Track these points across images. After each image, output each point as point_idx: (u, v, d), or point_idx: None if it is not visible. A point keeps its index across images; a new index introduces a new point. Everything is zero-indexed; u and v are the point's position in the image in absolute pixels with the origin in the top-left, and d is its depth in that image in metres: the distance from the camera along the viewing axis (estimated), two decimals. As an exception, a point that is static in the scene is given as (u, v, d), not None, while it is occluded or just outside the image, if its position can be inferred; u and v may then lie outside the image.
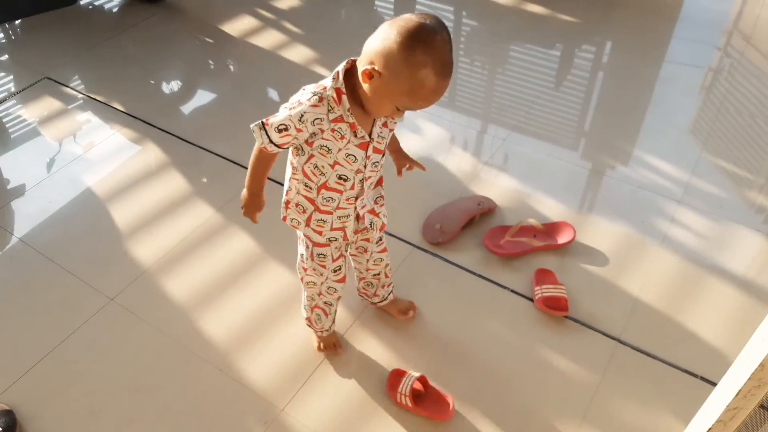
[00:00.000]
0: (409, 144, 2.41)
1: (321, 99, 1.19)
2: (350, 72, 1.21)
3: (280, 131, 1.21)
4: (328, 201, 1.37)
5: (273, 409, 1.61)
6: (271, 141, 1.23)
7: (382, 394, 1.63)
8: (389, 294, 1.76)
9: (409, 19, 1.09)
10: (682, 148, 2.44)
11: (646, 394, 1.64)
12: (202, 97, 2.76)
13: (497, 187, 2.24)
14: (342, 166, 1.29)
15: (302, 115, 1.19)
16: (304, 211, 1.41)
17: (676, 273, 1.95)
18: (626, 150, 2.43)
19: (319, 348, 1.72)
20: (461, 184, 2.25)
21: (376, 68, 1.11)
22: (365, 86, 1.15)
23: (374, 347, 1.74)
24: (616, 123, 2.59)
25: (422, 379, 1.60)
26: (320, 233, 1.43)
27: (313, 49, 2.95)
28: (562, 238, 2.00)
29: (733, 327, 1.80)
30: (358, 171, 1.32)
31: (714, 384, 1.65)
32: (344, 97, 1.19)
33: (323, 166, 1.29)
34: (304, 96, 1.21)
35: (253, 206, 1.44)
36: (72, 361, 1.72)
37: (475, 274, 1.94)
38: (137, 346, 1.76)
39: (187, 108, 2.69)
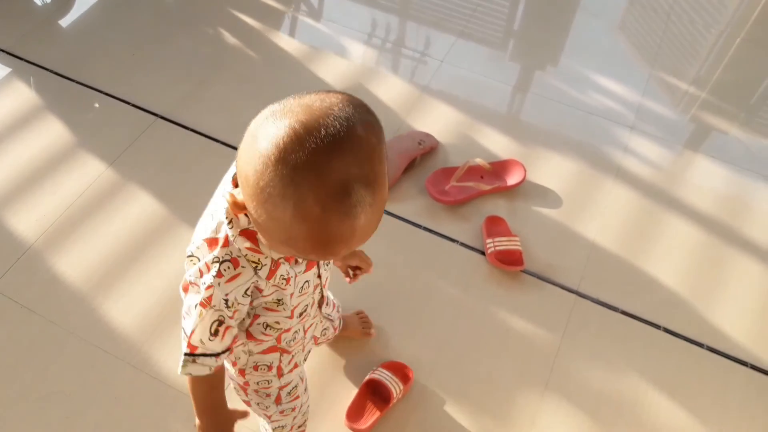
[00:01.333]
0: (335, 70, 2.10)
1: (235, 262, 0.76)
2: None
3: (216, 333, 0.80)
4: (294, 336, 0.99)
5: (201, 408, 1.39)
6: (218, 356, 0.83)
7: (330, 379, 1.44)
8: (339, 321, 1.35)
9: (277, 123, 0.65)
10: (632, 65, 2.25)
11: (610, 351, 1.53)
12: (82, 14, 2.27)
13: (437, 119, 1.99)
14: (300, 302, 0.92)
15: (226, 300, 0.78)
16: (271, 366, 1.01)
17: (633, 210, 1.81)
18: (575, 70, 2.21)
19: None
20: (398, 118, 1.98)
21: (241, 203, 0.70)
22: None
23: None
24: (561, 39, 2.35)
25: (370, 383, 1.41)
26: (292, 370, 1.07)
27: None
28: (512, 179, 1.81)
29: (694, 268, 1.70)
30: (315, 287, 0.94)
31: (677, 335, 1.57)
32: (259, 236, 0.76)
33: (277, 322, 0.91)
34: (206, 271, 0.77)
35: (219, 428, 0.96)
36: (-55, 372, 1.42)
37: (419, 226, 1.73)
38: (30, 344, 1.47)
39: (61, 31, 2.21)
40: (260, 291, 0.81)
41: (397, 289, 1.60)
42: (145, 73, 2.05)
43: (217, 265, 0.76)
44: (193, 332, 0.80)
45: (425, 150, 1.86)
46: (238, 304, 0.79)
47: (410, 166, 1.84)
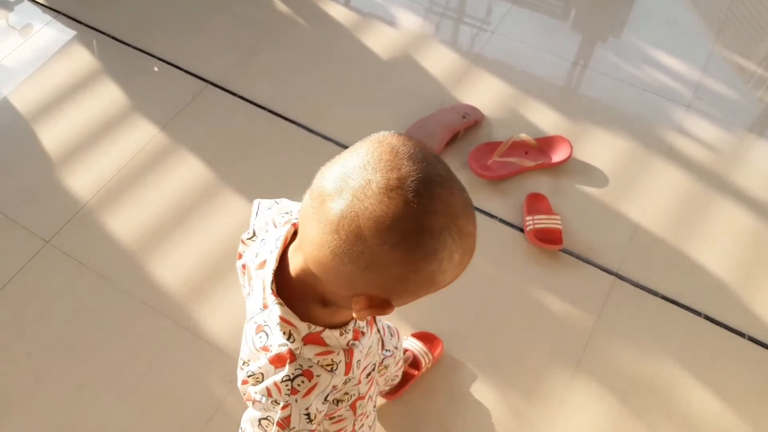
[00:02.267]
0: (385, 39, 2.09)
1: (308, 374, 0.69)
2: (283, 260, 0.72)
3: None
4: (368, 400, 0.92)
5: (237, 365, 1.45)
6: None
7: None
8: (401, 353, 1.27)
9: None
10: (693, 40, 2.14)
11: (645, 335, 1.50)
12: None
13: (484, 92, 1.96)
14: (366, 366, 0.83)
15: (308, 414, 0.71)
16: (345, 428, 0.93)
17: (682, 193, 1.75)
18: (633, 44, 2.13)
19: None
20: (443, 90, 1.96)
21: (389, 301, 0.63)
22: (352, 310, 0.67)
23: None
24: (621, 11, 2.25)
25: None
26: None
27: None
28: (558, 156, 1.77)
29: (741, 256, 1.64)
30: (378, 341, 0.89)
31: (718, 323, 1.53)
32: (327, 332, 0.69)
33: (346, 393, 0.83)
34: (276, 392, 0.70)
35: None
36: (8, 318, 1.52)
37: (459, 201, 1.72)
38: (81, 297, 1.56)
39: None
40: (336, 388, 0.74)
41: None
42: (199, 40, 2.09)
43: (289, 383, 0.68)
44: None
45: (469, 123, 1.84)
46: (321, 413, 0.73)
47: (453, 140, 1.82)
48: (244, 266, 0.82)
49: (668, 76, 2.02)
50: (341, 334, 0.70)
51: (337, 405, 0.82)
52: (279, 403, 0.69)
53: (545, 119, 1.89)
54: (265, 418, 0.72)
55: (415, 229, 0.56)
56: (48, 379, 1.44)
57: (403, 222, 0.55)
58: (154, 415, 1.39)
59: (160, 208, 1.71)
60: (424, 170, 0.57)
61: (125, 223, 1.68)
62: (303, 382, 0.69)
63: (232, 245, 1.63)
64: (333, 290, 0.64)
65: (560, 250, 1.62)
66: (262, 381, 0.71)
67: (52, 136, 1.85)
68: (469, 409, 1.39)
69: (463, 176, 1.76)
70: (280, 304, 0.68)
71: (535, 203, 1.68)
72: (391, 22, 2.17)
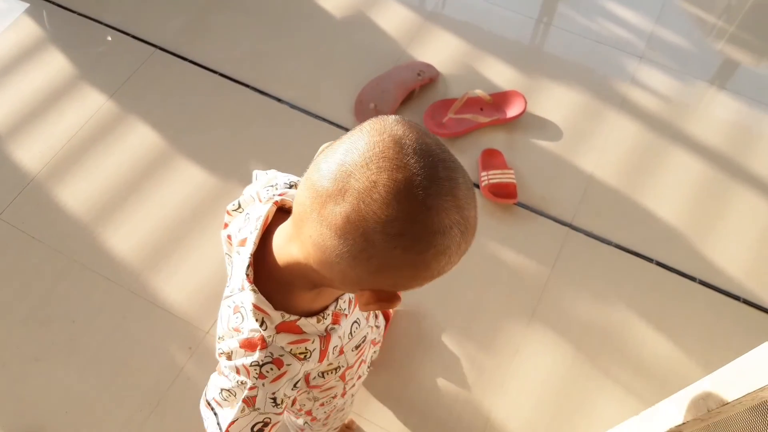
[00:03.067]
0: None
1: (278, 363, 0.68)
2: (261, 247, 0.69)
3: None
4: (358, 368, 0.93)
5: (196, 332, 1.45)
6: None
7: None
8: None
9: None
10: (647, -11, 2.14)
11: (599, 283, 1.53)
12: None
13: (440, 49, 1.94)
14: (352, 341, 0.84)
15: (274, 399, 0.70)
16: (336, 396, 0.94)
17: (635, 144, 1.77)
18: (584, -6, 2.12)
19: None
20: (398, 47, 1.94)
21: (395, 294, 0.62)
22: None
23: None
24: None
25: None
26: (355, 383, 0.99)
27: None
28: (512, 111, 1.77)
29: (693, 203, 1.67)
30: (367, 317, 0.88)
31: (670, 269, 1.56)
32: (304, 321, 0.67)
33: (336, 368, 0.84)
34: (245, 373, 0.69)
35: None
36: (-43, 295, 1.50)
37: (415, 159, 1.72)
38: (35, 270, 1.53)
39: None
40: (307, 380, 0.74)
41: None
42: (147, 4, 2.03)
43: (258, 368, 0.67)
44: (232, 422, 0.71)
45: (424, 81, 1.82)
46: (288, 398, 0.72)
47: (409, 98, 1.81)
48: (229, 237, 0.80)
49: (621, 27, 2.02)
50: (318, 321, 0.68)
51: (324, 377, 0.82)
52: (246, 384, 0.68)
53: (500, 75, 1.89)
54: (228, 390, 0.71)
55: (425, 231, 0.53)
56: (4, 354, 1.42)
57: (414, 225, 0.53)
58: (115, 385, 1.39)
59: (112, 178, 1.67)
60: (431, 165, 0.54)
61: (76, 194, 1.65)
62: (272, 369, 0.68)
63: (187, 213, 1.61)
64: (332, 284, 0.62)
65: (515, 203, 1.63)
66: (230, 359, 0.70)
67: (-4, 108, 1.80)
68: (426, 362, 1.42)
69: (419, 134, 1.75)
70: (254, 291, 0.65)
71: (490, 159, 1.69)
72: (343, -20, 2.13)
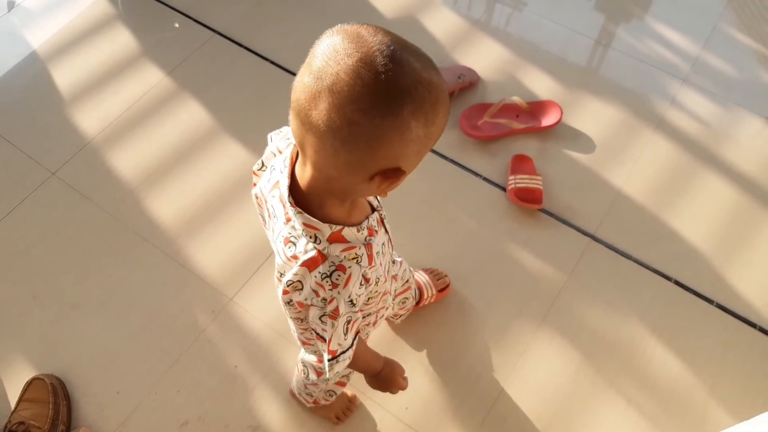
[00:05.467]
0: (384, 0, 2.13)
1: (341, 268, 0.76)
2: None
3: (347, 332, 0.82)
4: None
5: (221, 298, 1.54)
6: (351, 346, 0.85)
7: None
8: (415, 287, 1.39)
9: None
10: (698, 15, 2.13)
11: (613, 296, 1.55)
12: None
13: (484, 55, 1.99)
14: (385, 262, 0.91)
15: (351, 301, 0.78)
16: (368, 324, 1.06)
17: (668, 164, 1.77)
18: (634, 14, 2.13)
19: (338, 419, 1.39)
20: (443, 51, 2.00)
21: (401, 168, 0.69)
22: (372, 192, 0.73)
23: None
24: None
25: None
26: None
27: None
28: (547, 120, 1.81)
29: (720, 228, 1.66)
30: (389, 242, 0.95)
31: (688, 289, 1.56)
32: (347, 230, 0.76)
33: (383, 288, 0.92)
34: (321, 290, 0.77)
35: (392, 375, 1.04)
36: (12, 241, 1.63)
37: (446, 158, 1.77)
38: (80, 226, 1.65)
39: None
40: (368, 281, 0.80)
41: (414, 213, 1.66)
42: (209, -9, 2.15)
43: (328, 279, 0.75)
44: (329, 341, 0.81)
45: (464, 84, 1.88)
46: (359, 297, 0.80)
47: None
48: (256, 196, 0.88)
49: (668, 49, 2.02)
50: (358, 231, 0.78)
51: (369, 302, 0.91)
52: (326, 300, 0.76)
53: (540, 85, 1.92)
54: (319, 316, 0.79)
55: (393, 94, 0.61)
56: (44, 298, 1.54)
57: (382, 93, 0.61)
58: (140, 339, 1.49)
59: (161, 149, 1.79)
60: (384, 40, 0.62)
61: (127, 160, 1.76)
62: (339, 275, 0.75)
63: (226, 188, 1.71)
64: (350, 184, 0.70)
65: (539, 209, 1.66)
66: (302, 288, 0.78)
67: (66, 75, 1.94)
68: (434, 351, 1.46)
69: (454, 135, 1.81)
70: (300, 213, 0.74)
71: (520, 164, 1.72)
72: (398, -17, 2.20)
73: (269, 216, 0.84)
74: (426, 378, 1.43)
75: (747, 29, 2.10)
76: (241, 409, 1.39)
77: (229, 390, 1.41)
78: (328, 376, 0.85)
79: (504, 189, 1.70)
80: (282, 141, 0.87)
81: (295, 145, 0.78)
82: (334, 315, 0.77)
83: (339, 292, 0.76)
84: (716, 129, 1.85)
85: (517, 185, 1.66)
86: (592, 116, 1.85)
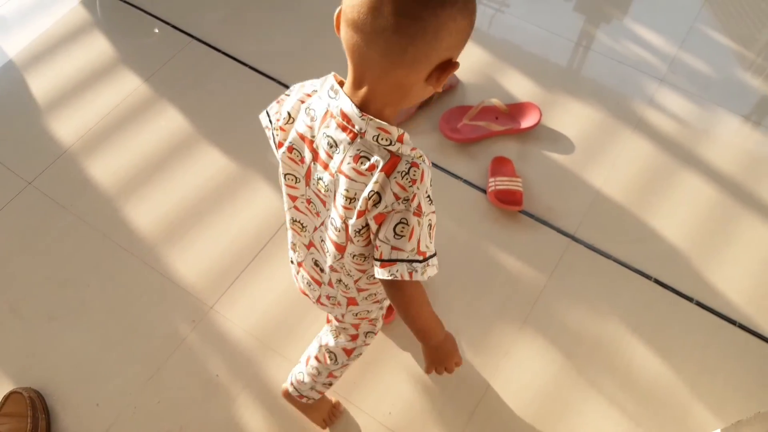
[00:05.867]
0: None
1: (414, 165, 0.81)
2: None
3: (431, 236, 0.87)
4: None
5: (201, 306, 1.53)
6: (435, 255, 0.89)
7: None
8: None
9: None
10: (674, 15, 2.15)
11: (594, 296, 1.55)
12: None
13: (463, 57, 1.95)
14: None
15: (429, 196, 0.84)
16: (376, 298, 1.09)
17: (647, 163, 1.79)
18: (613, 15, 2.15)
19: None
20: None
21: (453, 59, 0.77)
22: (421, 95, 0.81)
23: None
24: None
25: None
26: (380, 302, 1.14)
27: None
28: (526, 122, 1.81)
29: (699, 226, 1.68)
30: None
31: (668, 287, 1.57)
32: (405, 135, 0.83)
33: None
34: (400, 191, 0.80)
35: (454, 348, 1.04)
36: (-14, 252, 1.61)
37: (426, 161, 1.77)
38: (58, 236, 1.63)
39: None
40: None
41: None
42: (188, -4, 2.14)
43: (407, 176, 0.79)
44: (418, 241, 0.84)
45: (444, 88, 1.88)
46: (431, 207, 0.85)
47: (427, 103, 1.87)
48: (290, 148, 0.89)
49: (645, 49, 2.04)
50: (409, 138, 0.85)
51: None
52: (408, 198, 0.80)
53: (519, 87, 1.93)
54: (399, 223, 0.82)
55: None
56: (22, 310, 1.52)
57: None
58: (119, 350, 1.47)
59: (139, 156, 1.77)
60: None
61: (104, 168, 1.74)
62: (415, 171, 0.80)
63: (205, 194, 1.70)
64: (411, 83, 0.77)
65: (520, 211, 1.67)
66: (379, 200, 0.81)
67: (42, 83, 1.92)
68: (417, 355, 1.46)
69: (434, 138, 1.81)
70: (371, 119, 0.79)
71: (500, 166, 1.73)
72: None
73: (318, 156, 0.86)
74: (409, 382, 1.43)
75: (723, 28, 2.12)
76: (224, 419, 1.38)
77: (211, 399, 1.40)
78: (423, 278, 0.86)
79: (484, 191, 1.71)
80: (308, 88, 0.90)
81: (333, 76, 0.84)
82: (419, 212, 0.82)
83: (418, 188, 0.80)
84: (694, 128, 1.86)
85: (498, 187, 1.66)
86: (571, 117, 1.86)
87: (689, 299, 1.55)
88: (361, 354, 1.26)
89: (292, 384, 1.32)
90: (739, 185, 1.75)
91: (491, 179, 1.69)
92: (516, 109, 1.84)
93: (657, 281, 1.58)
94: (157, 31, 2.05)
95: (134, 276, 1.57)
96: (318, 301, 1.11)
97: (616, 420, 1.39)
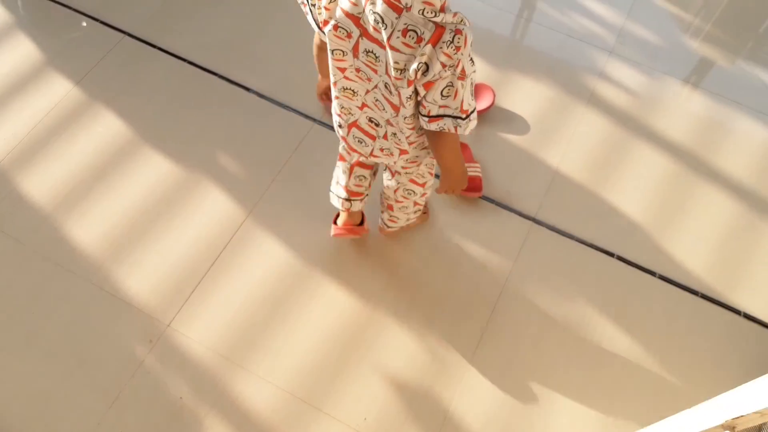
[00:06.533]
0: None
1: (458, 32, 0.89)
2: None
3: (472, 94, 0.99)
4: None
5: (158, 324, 1.45)
6: (475, 109, 1.01)
7: (280, 295, 1.48)
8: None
9: None
10: (620, -18, 2.14)
11: (560, 277, 1.55)
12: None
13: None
14: None
15: (470, 58, 0.94)
16: (424, 146, 1.19)
17: (602, 138, 1.78)
18: (557, -13, 2.12)
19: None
20: (368, 39, 1.92)
21: None
22: None
23: (271, 243, 1.56)
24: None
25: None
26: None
27: None
28: (481, 104, 1.77)
29: (656, 198, 1.68)
30: None
31: (630, 263, 1.58)
32: (447, 2, 0.91)
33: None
34: (445, 57, 0.90)
35: (466, 180, 1.21)
36: None
37: (382, 151, 1.71)
38: (-6, 260, 1.52)
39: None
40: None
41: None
42: None
43: (451, 44, 0.88)
44: (462, 101, 0.95)
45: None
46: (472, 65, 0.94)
47: (377, 90, 1.80)
48: (336, 26, 0.96)
49: (593, 21, 2.02)
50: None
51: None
52: (454, 65, 0.90)
53: (470, 67, 1.88)
54: (446, 87, 0.93)
55: None
56: (-39, 345, 1.41)
57: None
58: (73, 379, 1.38)
59: (75, 167, 1.66)
60: None
61: (39, 183, 1.63)
62: (459, 38, 0.88)
63: (150, 204, 1.60)
64: None
65: (480, 197, 1.64)
66: (427, 69, 0.90)
67: (-43, 94, 1.77)
68: (389, 355, 1.42)
69: (387, 126, 1.75)
70: None
71: (457, 152, 1.69)
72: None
73: (365, 30, 0.93)
74: (382, 384, 1.39)
75: (666, -5, 2.11)
76: (192, 441, 1.32)
77: (177, 423, 1.34)
78: (465, 132, 0.99)
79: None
80: None
81: None
82: (463, 76, 0.92)
83: (462, 54, 0.89)
84: (645, 99, 1.86)
85: (456, 175, 1.63)
86: (524, 96, 1.83)
87: (652, 273, 1.56)
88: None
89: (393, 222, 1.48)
90: (693, 154, 1.76)
91: (449, 166, 1.65)
92: (469, 91, 1.79)
93: (620, 258, 1.58)
94: (84, 24, 1.91)
95: (82, 299, 1.47)
96: (371, 154, 1.22)
97: (589, 403, 1.40)
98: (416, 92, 0.96)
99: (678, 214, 1.66)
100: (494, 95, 1.77)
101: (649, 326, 1.50)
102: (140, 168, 1.66)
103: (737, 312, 1.52)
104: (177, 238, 1.55)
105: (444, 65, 0.89)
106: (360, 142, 1.19)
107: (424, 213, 1.57)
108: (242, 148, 1.69)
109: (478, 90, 1.79)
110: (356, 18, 0.93)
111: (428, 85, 0.92)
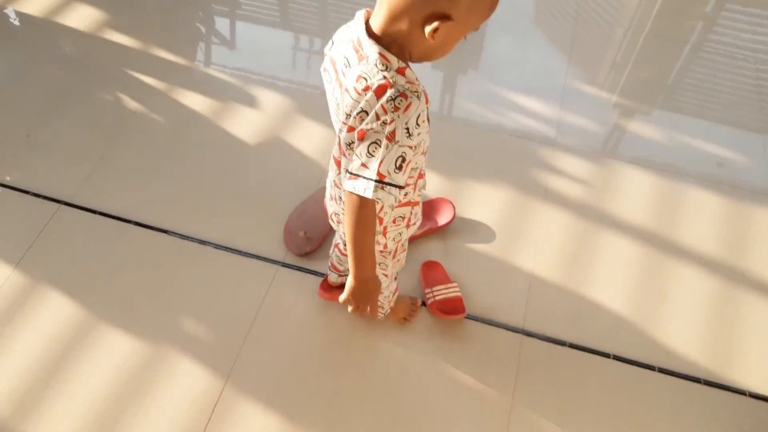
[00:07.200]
0: (248, 123, 2.01)
1: (404, 96, 0.87)
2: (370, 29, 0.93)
3: (400, 168, 0.91)
4: (424, 184, 1.16)
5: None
6: (400, 189, 0.92)
7: None
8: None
9: None
10: (546, 77, 2.23)
11: (564, 390, 1.50)
12: (-38, 103, 2.10)
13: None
14: (426, 141, 1.03)
15: (407, 129, 0.89)
16: (404, 218, 1.17)
17: (566, 234, 1.79)
18: (489, 90, 2.18)
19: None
20: (319, 167, 1.90)
21: (448, 15, 0.85)
22: (426, 44, 0.89)
23: (254, 412, 1.44)
24: (472, 60, 2.31)
25: None
26: (410, 226, 1.22)
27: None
28: (442, 218, 1.76)
29: (633, 284, 1.69)
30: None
31: (628, 361, 1.55)
32: (409, 69, 0.92)
33: (416, 164, 1.05)
34: (382, 113, 0.88)
35: (375, 293, 1.09)
36: None
37: (354, 285, 1.65)
38: (-57, 492, 1.33)
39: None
40: (417, 126, 0.90)
41: (339, 353, 1.53)
42: (43, 156, 1.91)
43: (392, 102, 0.87)
44: (381, 162, 0.89)
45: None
46: (417, 133, 0.90)
47: (337, 221, 1.76)
48: (324, 70, 1.01)
49: (530, 117, 2.08)
50: (416, 79, 0.92)
51: (412, 173, 1.06)
52: (386, 123, 0.87)
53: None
54: (374, 143, 0.89)
55: None
56: None
57: None
58: None
59: (27, 363, 1.50)
60: None
61: (-14, 389, 1.46)
62: (401, 101, 0.87)
63: (117, 388, 1.47)
64: (410, 25, 0.86)
65: (464, 317, 1.59)
66: (366, 117, 0.90)
67: None
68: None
69: (354, 258, 1.70)
70: (375, 43, 0.89)
71: (431, 272, 1.65)
72: (250, 104, 2.09)
73: (338, 75, 0.96)
74: None
75: (592, 80, 2.22)
76: None
77: None
78: (372, 197, 0.90)
79: (424, 304, 1.62)
80: (346, 26, 0.99)
81: (366, 11, 0.93)
82: (391, 137, 0.88)
83: (399, 116, 0.87)
84: (598, 186, 1.90)
85: (436, 298, 1.58)
86: (482, 203, 1.84)
87: (651, 368, 1.54)
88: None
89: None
90: (655, 234, 1.79)
91: (427, 290, 1.61)
92: (428, 207, 1.78)
93: (615, 357, 1.55)
94: (29, 135, 1.79)
95: None
96: (330, 217, 1.19)
97: None
98: (354, 142, 0.94)
99: (658, 298, 1.67)
100: (453, 207, 1.77)
101: (663, 425, 1.45)
102: (100, 350, 1.52)
103: (742, 393, 1.50)
104: (152, 424, 1.41)
105: (378, 117, 0.88)
106: (328, 201, 1.20)
107: (403, 316, 1.56)
108: (206, 301, 1.59)
109: (436, 204, 1.79)
110: (334, 62, 0.98)
111: (362, 135, 0.91)
